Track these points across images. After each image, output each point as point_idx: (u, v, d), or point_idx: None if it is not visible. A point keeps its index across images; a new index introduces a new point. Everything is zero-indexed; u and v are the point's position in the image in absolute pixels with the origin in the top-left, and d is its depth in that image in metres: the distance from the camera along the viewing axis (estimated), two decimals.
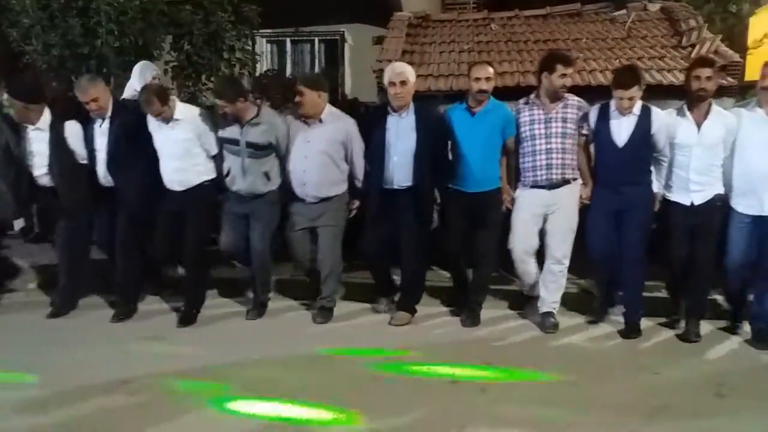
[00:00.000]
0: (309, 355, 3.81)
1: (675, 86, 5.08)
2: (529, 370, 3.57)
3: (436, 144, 4.16)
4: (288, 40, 9.63)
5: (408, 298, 4.45)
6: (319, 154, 4.22)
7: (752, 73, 9.88)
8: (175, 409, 3.12)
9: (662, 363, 3.66)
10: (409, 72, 4.17)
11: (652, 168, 4.06)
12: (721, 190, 3.99)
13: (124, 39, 6.11)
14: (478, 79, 4.11)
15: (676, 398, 3.22)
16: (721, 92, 4.39)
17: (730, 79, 5.11)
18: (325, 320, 4.41)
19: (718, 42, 5.80)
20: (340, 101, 7.40)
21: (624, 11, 6.87)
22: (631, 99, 3.87)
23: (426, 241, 4.30)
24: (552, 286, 4.22)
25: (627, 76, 3.92)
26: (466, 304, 4.40)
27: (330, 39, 9.55)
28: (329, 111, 4.29)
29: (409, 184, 4.15)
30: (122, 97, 4.84)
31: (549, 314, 4.22)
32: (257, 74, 8.41)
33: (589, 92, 4.18)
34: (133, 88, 4.83)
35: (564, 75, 4.01)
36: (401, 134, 4.14)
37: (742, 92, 6.59)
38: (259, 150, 4.22)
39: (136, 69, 5.00)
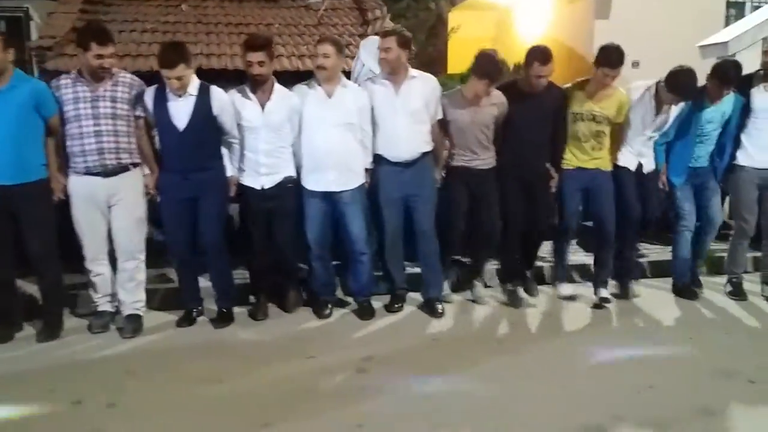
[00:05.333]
0: None
1: None
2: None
3: None
4: None
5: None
6: None
7: (453, 65, 10.82)
8: None
9: (316, 346, 3.65)
10: None
11: (225, 151, 3.84)
12: (291, 173, 3.90)
13: None
14: None
15: (323, 380, 3.22)
16: None
17: None
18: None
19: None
20: None
21: None
22: (180, 79, 3.53)
23: None
24: (130, 285, 3.80)
25: (171, 55, 3.53)
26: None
27: (12, 16, 8.41)
28: None
29: None
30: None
31: (132, 317, 3.80)
32: None
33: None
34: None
35: (101, 56, 3.48)
36: None
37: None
38: None
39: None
